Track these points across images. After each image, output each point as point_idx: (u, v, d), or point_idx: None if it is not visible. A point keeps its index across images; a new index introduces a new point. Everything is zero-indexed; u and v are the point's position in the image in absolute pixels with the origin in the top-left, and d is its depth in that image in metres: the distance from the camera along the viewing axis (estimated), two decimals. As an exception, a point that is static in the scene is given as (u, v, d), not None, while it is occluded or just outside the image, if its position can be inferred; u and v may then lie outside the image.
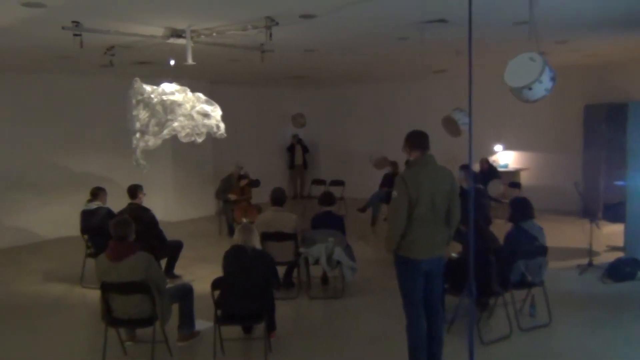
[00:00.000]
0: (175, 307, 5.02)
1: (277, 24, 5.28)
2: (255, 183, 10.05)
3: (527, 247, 5.33)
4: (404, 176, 4.05)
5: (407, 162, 4.32)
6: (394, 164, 10.88)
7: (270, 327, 5.00)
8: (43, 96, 9.75)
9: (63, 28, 5.12)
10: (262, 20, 5.25)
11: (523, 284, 5.38)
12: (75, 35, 5.17)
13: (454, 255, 5.64)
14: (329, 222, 6.52)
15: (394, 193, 4.04)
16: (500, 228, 6.32)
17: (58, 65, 8.58)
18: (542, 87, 4.44)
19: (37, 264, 8.35)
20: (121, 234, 4.60)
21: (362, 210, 10.61)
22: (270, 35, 5.32)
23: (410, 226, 4.03)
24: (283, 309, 5.63)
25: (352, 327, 5.62)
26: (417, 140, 4.16)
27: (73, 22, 5.06)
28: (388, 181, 10.79)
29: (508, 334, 5.13)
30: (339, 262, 6.26)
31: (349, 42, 7.07)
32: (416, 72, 10.83)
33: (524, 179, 11.43)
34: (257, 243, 4.85)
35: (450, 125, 7.74)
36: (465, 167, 8.65)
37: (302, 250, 6.28)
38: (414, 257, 4.10)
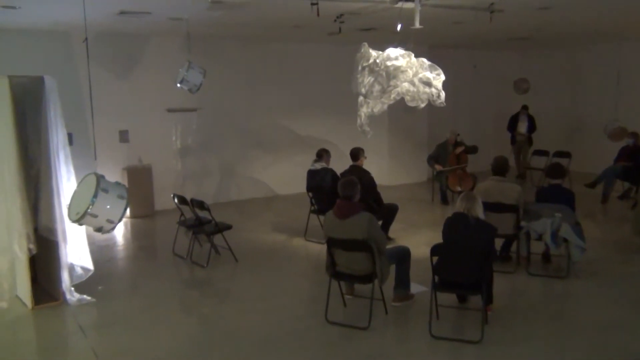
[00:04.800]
0: (392, 269, 5.15)
1: (513, -21, 4.91)
2: (473, 149, 9.70)
3: None
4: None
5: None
6: (634, 135, 9.58)
7: (488, 299, 4.85)
8: (276, 63, 10.65)
9: (302, -3, 5.49)
10: (497, -23, 4.94)
11: None
12: (313, 4, 5.49)
13: None
14: (557, 196, 6.02)
15: (650, 168, 3.54)
16: None
17: (291, 34, 9.27)
18: None
19: (268, 216, 9.32)
20: (348, 194, 4.84)
21: (592, 185, 9.60)
22: (505, -7, 4.97)
23: (667, 207, 3.50)
24: (499, 283, 5.40)
25: (577, 311, 5.19)
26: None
27: (311, -9, 5.40)
28: (626, 155, 9.57)
29: None
30: (565, 240, 5.78)
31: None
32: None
33: None
34: (480, 212, 4.70)
35: None
36: None
37: (523, 223, 5.94)
38: (669, 242, 3.57)
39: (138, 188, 9.06)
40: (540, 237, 5.88)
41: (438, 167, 9.60)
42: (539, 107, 12.71)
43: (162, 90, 9.25)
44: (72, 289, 5.42)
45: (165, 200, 8.94)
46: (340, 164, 7.85)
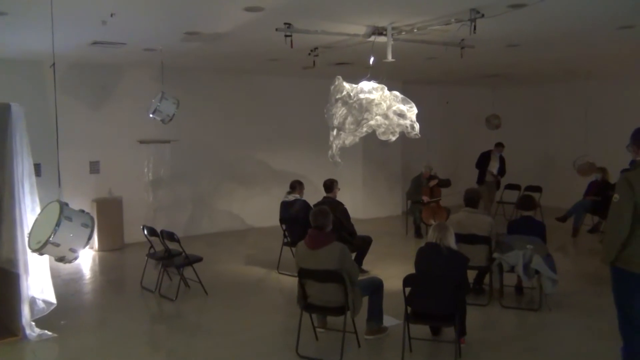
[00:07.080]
0: (364, 301, 5.07)
1: (482, 16, 5.04)
2: (446, 183, 9.79)
3: None
4: (629, 177, 3.56)
5: (633, 163, 3.80)
6: (602, 170, 9.78)
7: (461, 332, 4.79)
8: (251, 96, 10.69)
9: (276, 30, 5.52)
10: (466, 13, 5.06)
11: None
12: (287, 36, 5.54)
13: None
14: (529, 228, 6.06)
15: (616, 196, 3.58)
16: None
17: (266, 67, 9.34)
18: None
19: (241, 248, 9.18)
20: (320, 224, 4.79)
21: (562, 219, 9.72)
22: (475, 28, 5.09)
23: (634, 235, 3.53)
24: (472, 315, 5.38)
25: (552, 343, 5.15)
26: (646, 138, 3.64)
27: (285, 23, 5.44)
28: (595, 189, 9.75)
29: None
30: (537, 272, 5.80)
31: (559, 34, 6.49)
32: (636, 66, 9.58)
33: None
34: (452, 242, 4.68)
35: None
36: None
37: (496, 255, 5.95)
38: (636, 270, 3.58)
39: (107, 220, 8.88)
40: (512, 269, 5.89)
41: (425, 198, 9.60)
42: (510, 142, 12.90)
43: (135, 121, 9.16)
44: (33, 323, 5.19)
45: (135, 232, 8.74)
46: (314, 196, 7.82)
